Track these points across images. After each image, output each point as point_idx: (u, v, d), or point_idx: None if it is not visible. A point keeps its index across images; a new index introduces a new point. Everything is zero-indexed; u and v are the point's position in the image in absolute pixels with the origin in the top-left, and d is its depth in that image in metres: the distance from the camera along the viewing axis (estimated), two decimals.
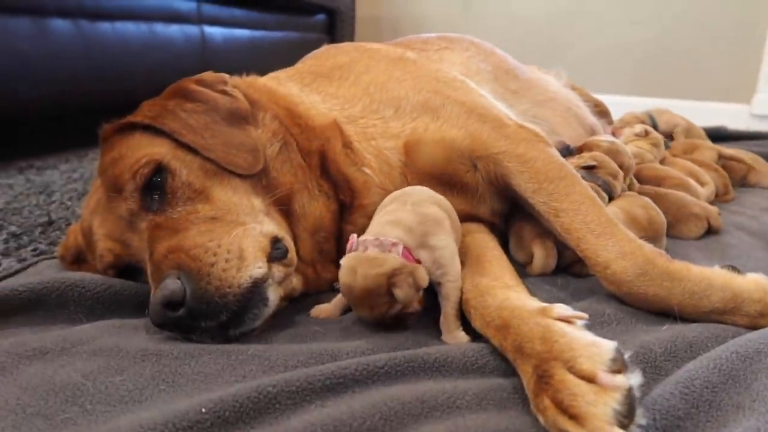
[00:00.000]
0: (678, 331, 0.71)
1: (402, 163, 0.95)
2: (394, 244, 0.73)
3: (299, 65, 1.15)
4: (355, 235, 0.77)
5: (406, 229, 0.75)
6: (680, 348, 0.68)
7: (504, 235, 1.03)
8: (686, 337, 0.70)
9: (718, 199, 1.48)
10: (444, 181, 0.95)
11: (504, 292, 0.73)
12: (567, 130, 1.44)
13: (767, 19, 3.04)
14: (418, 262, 0.74)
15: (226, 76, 0.94)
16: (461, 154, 0.94)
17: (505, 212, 1.03)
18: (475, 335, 0.73)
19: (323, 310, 0.82)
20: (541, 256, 0.94)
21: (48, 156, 1.86)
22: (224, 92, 0.89)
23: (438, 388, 0.60)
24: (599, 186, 1.04)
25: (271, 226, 0.79)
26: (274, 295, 0.73)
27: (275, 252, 0.75)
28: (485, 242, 0.92)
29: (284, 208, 0.85)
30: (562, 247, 0.94)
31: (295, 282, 0.83)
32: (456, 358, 0.66)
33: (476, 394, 0.60)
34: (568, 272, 0.94)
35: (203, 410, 0.54)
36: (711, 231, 1.20)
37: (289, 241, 0.80)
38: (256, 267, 0.71)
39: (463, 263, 0.86)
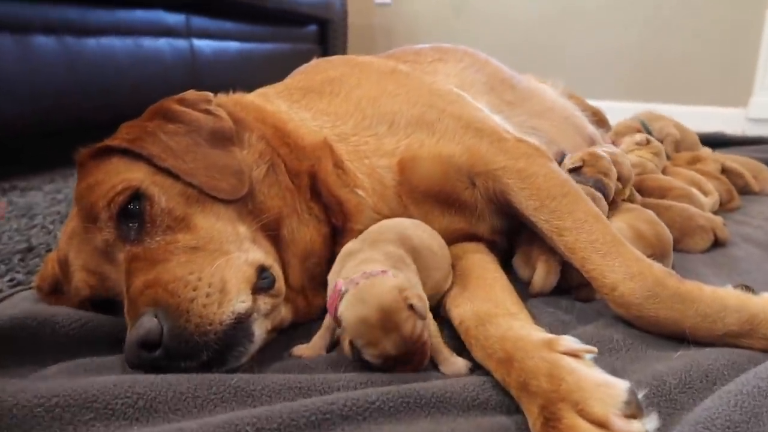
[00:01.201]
0: (692, 359, 0.66)
1: (396, 182, 0.90)
2: (383, 272, 0.68)
3: (288, 80, 1.11)
4: (340, 280, 0.71)
5: (380, 263, 0.71)
6: (695, 378, 0.63)
7: (505, 253, 0.99)
8: (701, 365, 0.65)
9: (724, 207, 1.44)
10: (441, 199, 0.91)
11: (507, 321, 0.68)
12: (565, 140, 1.40)
13: (762, 22, 3.03)
14: None
15: (209, 94, 0.90)
16: (459, 170, 0.90)
17: (506, 230, 0.99)
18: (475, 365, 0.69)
19: (304, 349, 0.75)
20: (542, 275, 0.90)
21: (32, 176, 1.81)
22: (207, 111, 0.84)
23: (435, 429, 0.56)
24: (591, 186, 0.99)
25: (257, 254, 0.74)
26: (260, 329, 0.68)
27: (261, 282, 0.70)
28: (484, 263, 0.87)
29: (273, 234, 0.80)
30: (567, 267, 0.89)
31: (285, 312, 0.78)
32: (455, 394, 0.61)
33: None
34: (574, 297, 0.90)
35: None
36: (717, 243, 1.16)
37: (277, 270, 0.75)
38: (239, 301, 0.66)
39: (461, 286, 0.82)
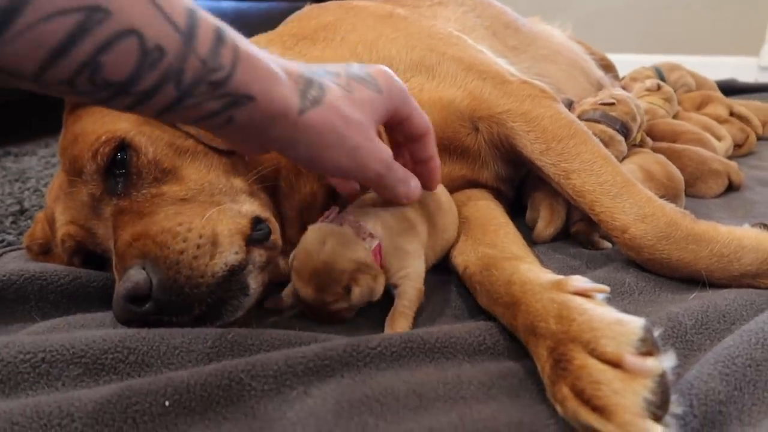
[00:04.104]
0: (708, 300, 0.63)
1: None
2: (372, 236, 0.65)
3: (281, 28, 1.06)
4: (337, 208, 0.68)
5: (386, 227, 0.67)
6: (712, 319, 0.60)
7: (512, 202, 0.95)
8: (718, 306, 0.62)
9: (740, 150, 1.39)
10: (442, 145, 0.87)
11: (512, 265, 0.65)
12: (573, 85, 1.35)
13: None
14: (384, 267, 0.66)
15: None
16: (461, 115, 0.86)
17: (511, 178, 0.95)
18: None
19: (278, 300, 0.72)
20: (546, 219, 0.87)
21: (26, 142, 1.77)
22: None
23: (440, 376, 0.53)
24: (617, 130, 0.95)
25: (252, 205, 0.70)
26: (255, 282, 0.65)
27: (256, 234, 0.66)
28: (489, 209, 0.84)
29: (271, 185, 0.77)
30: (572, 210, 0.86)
31: (283, 265, 0.75)
32: (461, 338, 0.58)
33: (483, 383, 0.53)
34: (572, 232, 0.87)
35: (166, 403, 0.48)
36: (732, 187, 1.12)
37: (273, 223, 0.71)
38: (232, 253, 0.62)
39: (465, 233, 0.79)
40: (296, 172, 0.80)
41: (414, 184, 0.66)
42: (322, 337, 0.60)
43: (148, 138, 0.70)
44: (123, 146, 0.69)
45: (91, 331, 0.60)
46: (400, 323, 0.63)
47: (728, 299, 0.63)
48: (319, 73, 0.56)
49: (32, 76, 0.39)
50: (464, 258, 0.73)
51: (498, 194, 0.93)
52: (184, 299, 0.59)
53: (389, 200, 0.68)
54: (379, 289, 0.63)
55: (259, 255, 0.66)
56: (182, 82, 0.44)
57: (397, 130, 0.67)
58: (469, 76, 0.88)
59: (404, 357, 0.55)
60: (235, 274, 0.63)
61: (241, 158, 0.75)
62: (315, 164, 0.58)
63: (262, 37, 1.01)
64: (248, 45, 0.49)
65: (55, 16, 0.37)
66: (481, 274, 0.67)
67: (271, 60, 0.51)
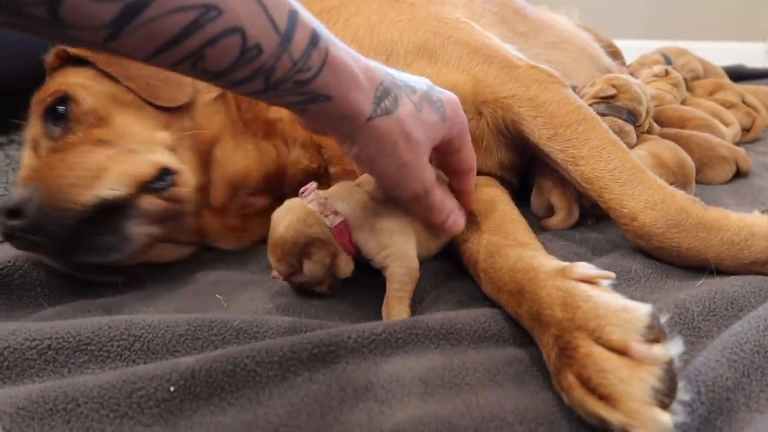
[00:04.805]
0: (715, 286, 0.63)
1: None
2: (336, 213, 0.65)
3: None
4: (314, 184, 0.69)
5: (358, 205, 0.67)
6: (720, 305, 0.60)
7: (516, 189, 0.95)
8: (726, 292, 0.62)
9: (748, 135, 1.38)
10: None
11: (517, 252, 0.64)
12: (581, 72, 1.33)
13: None
14: (355, 247, 0.66)
15: None
16: (464, 99, 0.83)
17: (516, 165, 0.94)
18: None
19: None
20: (563, 209, 0.86)
21: None
22: None
23: (445, 363, 0.53)
24: (624, 120, 0.94)
25: (166, 157, 0.74)
26: (139, 228, 0.68)
27: (157, 183, 0.70)
28: (493, 196, 0.83)
29: (206, 150, 0.81)
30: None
31: (195, 225, 0.79)
32: (466, 325, 0.58)
33: (489, 369, 0.53)
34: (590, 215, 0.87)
35: (171, 389, 0.48)
36: (739, 174, 1.11)
37: (186, 178, 0.75)
38: (110, 188, 0.66)
39: (469, 220, 0.78)
40: (235, 145, 0.83)
41: (452, 218, 0.67)
42: (327, 324, 0.61)
43: (90, 91, 0.76)
44: (66, 98, 0.75)
45: (97, 318, 0.60)
46: (395, 309, 0.63)
47: (736, 285, 0.63)
48: (399, 83, 0.59)
49: (142, 59, 0.42)
50: (468, 246, 0.72)
51: (502, 182, 0.92)
52: (52, 222, 0.63)
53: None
54: (342, 267, 0.65)
55: (150, 203, 0.69)
56: (271, 78, 0.47)
57: (446, 160, 0.68)
58: (474, 60, 0.86)
59: (409, 344, 0.55)
60: (112, 212, 0.66)
61: (180, 120, 0.79)
62: (364, 163, 0.60)
63: None
64: (339, 47, 0.52)
65: (175, 12, 0.40)
66: (486, 262, 0.66)
67: (357, 62, 0.54)
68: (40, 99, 0.77)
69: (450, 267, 0.76)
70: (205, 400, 0.48)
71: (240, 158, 0.84)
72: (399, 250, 0.66)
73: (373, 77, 0.56)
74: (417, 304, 0.66)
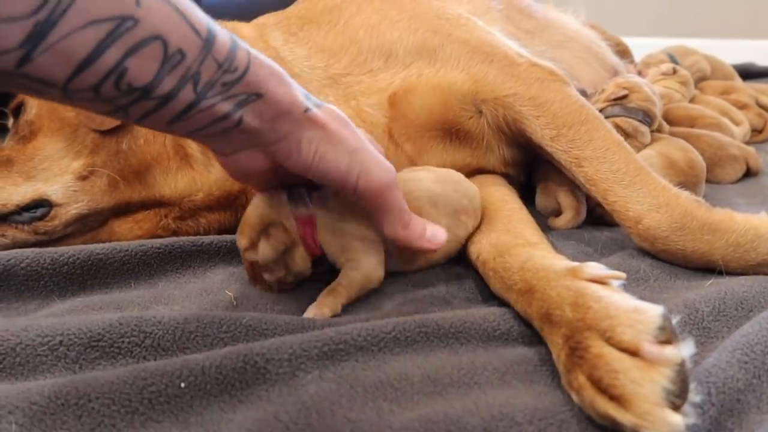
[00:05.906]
0: (725, 286, 0.62)
1: (387, 118, 0.84)
2: (305, 204, 0.65)
3: (290, 9, 1.03)
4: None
5: (331, 206, 0.66)
6: (730, 305, 0.60)
7: (524, 186, 0.94)
8: (735, 292, 0.61)
9: (759, 136, 1.38)
10: (442, 132, 0.85)
11: (526, 251, 0.64)
12: (587, 71, 1.33)
13: None
14: (317, 245, 0.66)
15: None
16: (462, 98, 0.83)
17: (521, 161, 0.93)
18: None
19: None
20: (571, 208, 0.85)
21: None
22: None
23: (454, 361, 0.53)
24: (640, 121, 0.93)
25: (55, 188, 0.76)
26: None
27: (21, 215, 0.74)
28: (501, 195, 0.83)
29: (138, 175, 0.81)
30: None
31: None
32: (475, 324, 0.58)
33: (498, 368, 0.53)
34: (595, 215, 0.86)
35: (182, 385, 0.48)
36: (749, 173, 1.11)
37: (65, 212, 0.76)
38: None
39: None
40: (177, 167, 0.82)
41: (429, 230, 0.64)
42: (336, 322, 0.61)
43: (41, 103, 0.77)
44: (21, 104, 0.78)
45: (108, 314, 0.60)
46: (323, 300, 0.63)
47: (746, 286, 0.62)
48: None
49: (62, 83, 0.40)
50: (477, 246, 0.72)
51: (508, 179, 0.92)
52: None
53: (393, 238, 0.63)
54: (298, 260, 0.65)
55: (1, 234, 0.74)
56: (199, 82, 0.46)
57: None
58: (473, 59, 0.85)
59: (418, 342, 0.55)
60: None
61: (114, 140, 0.79)
62: (316, 164, 0.56)
63: (270, 18, 0.99)
64: (258, 53, 0.52)
65: (88, 26, 0.38)
66: (495, 261, 0.66)
67: (279, 67, 0.55)
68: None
69: (459, 266, 0.76)
70: (215, 397, 0.49)
71: (181, 180, 0.83)
72: (357, 258, 0.66)
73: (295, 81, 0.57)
74: (426, 303, 0.66)
